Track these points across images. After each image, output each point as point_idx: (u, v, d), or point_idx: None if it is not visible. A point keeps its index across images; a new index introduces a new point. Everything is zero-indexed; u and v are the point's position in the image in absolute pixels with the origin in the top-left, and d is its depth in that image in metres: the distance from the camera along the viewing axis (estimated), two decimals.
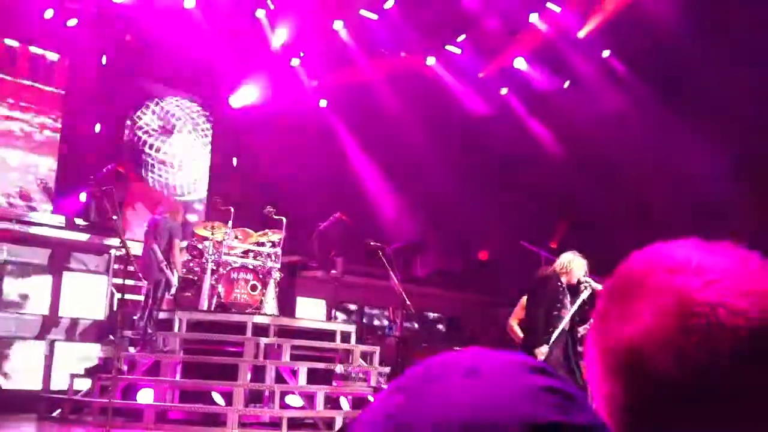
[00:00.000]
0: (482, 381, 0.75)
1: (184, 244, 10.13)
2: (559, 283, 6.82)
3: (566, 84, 14.86)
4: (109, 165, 10.83)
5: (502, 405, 0.73)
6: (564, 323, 6.63)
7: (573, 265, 6.86)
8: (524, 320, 7.05)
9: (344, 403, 9.58)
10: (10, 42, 12.41)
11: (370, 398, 9.48)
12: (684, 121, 12.64)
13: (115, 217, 7.14)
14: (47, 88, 12.79)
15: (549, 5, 13.70)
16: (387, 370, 9.81)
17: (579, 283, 6.77)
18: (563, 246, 8.55)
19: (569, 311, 6.68)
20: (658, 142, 13.05)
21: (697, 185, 12.28)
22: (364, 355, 10.16)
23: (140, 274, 9.33)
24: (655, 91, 13.38)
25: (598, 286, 6.74)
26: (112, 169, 10.74)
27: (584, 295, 6.69)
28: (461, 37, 14.34)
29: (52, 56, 12.89)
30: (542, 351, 6.54)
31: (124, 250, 6.95)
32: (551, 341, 6.55)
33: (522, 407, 0.72)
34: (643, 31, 13.00)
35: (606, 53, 14.36)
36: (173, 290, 9.69)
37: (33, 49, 12.64)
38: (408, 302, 7.57)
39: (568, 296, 6.82)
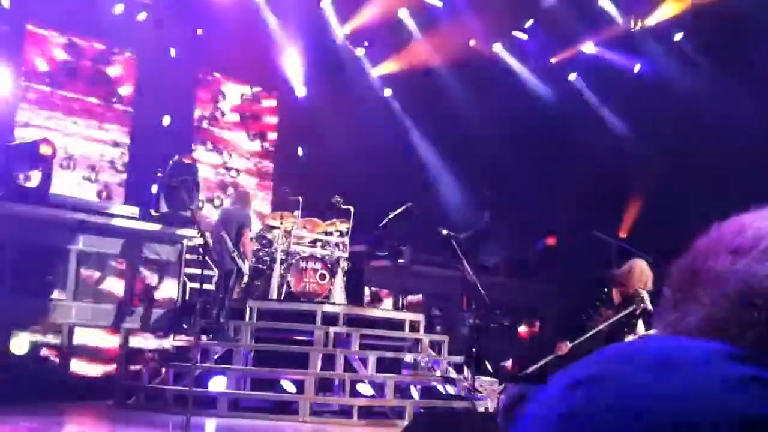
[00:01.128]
0: (679, 373, 0.66)
1: (254, 233, 10.24)
2: (605, 291, 6.48)
3: (636, 68, 14.53)
4: (176, 156, 10.96)
5: (707, 399, 0.64)
6: (602, 325, 6.29)
7: (632, 277, 6.23)
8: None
9: (414, 392, 9.56)
10: (78, 40, 12.69)
11: (440, 388, 9.46)
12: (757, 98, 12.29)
13: (192, 207, 7.24)
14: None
15: None
16: (459, 359, 9.76)
17: (635, 295, 6.40)
18: (633, 235, 8.38)
19: (606, 321, 6.33)
20: (731, 123, 12.66)
21: None
22: (433, 345, 10.13)
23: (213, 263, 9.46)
24: (725, 71, 13.02)
25: (650, 307, 6.39)
26: (179, 160, 10.88)
27: (632, 309, 6.34)
28: (528, 23, 14.14)
29: (123, 51, 13.13)
30: (564, 345, 6.23)
31: (202, 239, 7.01)
32: (578, 340, 6.25)
33: (729, 401, 0.63)
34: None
35: (678, 36, 14.00)
36: (245, 279, 9.78)
37: (99, 45, 12.90)
38: (482, 291, 7.49)
39: (611, 307, 6.44)
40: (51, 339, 9.55)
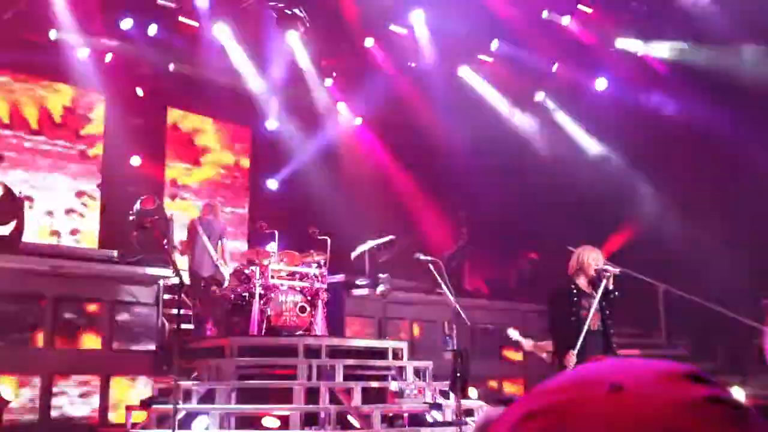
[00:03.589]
0: (630, 396, 0.65)
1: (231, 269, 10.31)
2: (572, 287, 6.69)
3: (600, 85, 14.66)
4: (143, 197, 10.95)
5: (657, 423, 0.62)
6: (588, 323, 6.50)
7: (581, 260, 6.74)
8: (552, 338, 6.94)
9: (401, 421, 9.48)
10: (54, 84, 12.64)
11: (427, 416, 9.38)
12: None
13: (166, 246, 7.21)
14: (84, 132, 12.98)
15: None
16: (444, 385, 9.69)
17: (598, 273, 6.66)
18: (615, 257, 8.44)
19: (591, 309, 6.55)
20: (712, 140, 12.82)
21: None
22: (417, 371, 10.07)
23: (191, 271, 9.70)
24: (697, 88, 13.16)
25: (616, 270, 6.65)
26: (147, 200, 10.86)
27: (602, 286, 6.57)
28: (494, 45, 14.25)
29: (91, 94, 13.10)
30: (571, 355, 6.38)
31: (177, 278, 6.95)
32: (578, 346, 6.41)
33: (682, 423, 0.62)
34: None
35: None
36: (226, 284, 10.43)
37: (70, 88, 12.86)
38: (463, 315, 7.47)
39: (587, 296, 6.69)
40: (30, 387, 9.39)
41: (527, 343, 8.00)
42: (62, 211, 12.73)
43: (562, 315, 6.68)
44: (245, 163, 15.25)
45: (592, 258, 6.76)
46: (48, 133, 12.79)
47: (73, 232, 12.76)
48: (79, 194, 12.94)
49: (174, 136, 14.39)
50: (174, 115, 14.38)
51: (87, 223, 12.91)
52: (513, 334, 8.08)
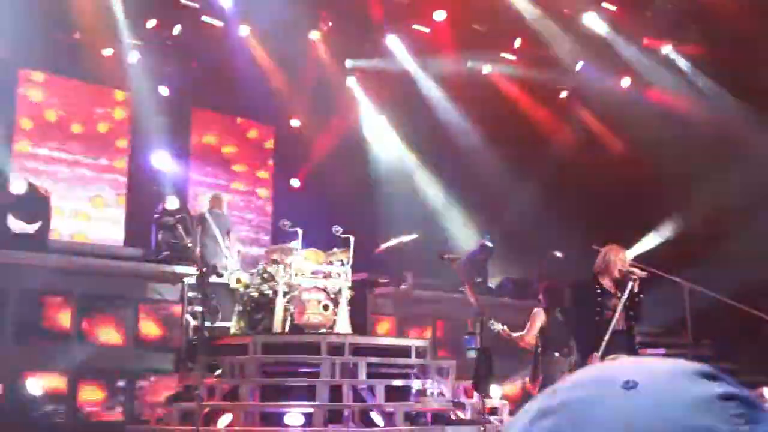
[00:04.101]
0: (644, 394, 0.65)
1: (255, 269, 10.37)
2: (597, 287, 6.66)
3: (624, 82, 14.57)
4: (167, 196, 11.06)
5: (671, 420, 0.63)
6: (612, 324, 6.46)
7: (608, 259, 6.70)
8: (575, 337, 6.95)
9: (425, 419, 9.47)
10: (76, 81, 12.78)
11: (451, 414, 9.38)
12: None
13: (190, 244, 7.27)
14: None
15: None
16: (468, 383, 9.68)
17: (623, 275, 6.62)
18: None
19: (616, 310, 6.51)
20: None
21: None
22: (440, 370, 10.06)
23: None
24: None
25: (643, 273, 6.61)
26: (171, 199, 10.96)
27: (629, 287, 6.53)
28: (517, 43, 14.19)
29: (117, 93, 13.22)
30: (595, 358, 6.34)
31: (201, 275, 7.02)
32: (602, 348, 6.36)
33: (696, 421, 0.62)
34: None
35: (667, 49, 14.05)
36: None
37: (98, 86, 12.99)
38: (485, 313, 7.47)
39: (611, 296, 6.64)
40: (56, 386, 9.48)
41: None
42: (88, 208, 12.85)
43: (586, 315, 6.65)
44: (268, 161, 15.32)
45: (619, 258, 6.71)
46: (74, 132, 12.91)
47: (99, 229, 12.87)
48: (105, 191, 13.06)
49: (198, 135, 14.48)
50: (198, 114, 14.47)
51: (112, 220, 13.01)
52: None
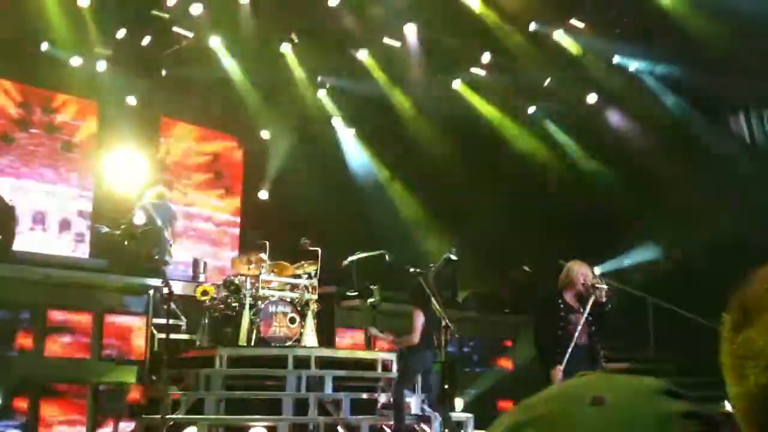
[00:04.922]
0: (611, 410, 0.68)
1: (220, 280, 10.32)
2: (559, 301, 6.75)
3: (591, 99, 14.73)
4: (135, 207, 10.99)
5: None
6: (574, 339, 6.54)
7: (571, 276, 6.79)
8: (538, 351, 7.01)
9: None
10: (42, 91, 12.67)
11: (416, 427, 9.38)
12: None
13: (156, 257, 7.23)
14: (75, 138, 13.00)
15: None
16: (431, 396, 9.70)
17: (586, 289, 6.71)
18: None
19: (578, 325, 6.59)
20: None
21: None
22: None
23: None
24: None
25: (604, 287, 6.70)
26: (139, 211, 10.90)
27: (591, 301, 6.61)
28: (486, 57, 14.29)
29: (83, 102, 13.13)
30: (558, 371, 6.42)
31: (167, 289, 6.98)
32: (564, 361, 6.45)
33: None
34: None
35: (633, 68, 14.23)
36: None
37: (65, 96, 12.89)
38: (450, 326, 7.50)
39: (574, 311, 6.73)
40: (22, 395, 9.35)
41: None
42: (55, 219, 12.72)
43: (548, 330, 6.73)
44: (237, 173, 15.28)
45: (581, 273, 6.81)
46: (41, 141, 12.79)
47: (66, 241, 12.74)
48: (71, 203, 12.93)
49: (167, 146, 14.40)
50: (167, 123, 14.40)
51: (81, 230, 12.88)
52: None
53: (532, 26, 13.39)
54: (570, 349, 6.49)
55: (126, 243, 10.02)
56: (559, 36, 13.62)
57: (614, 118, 14.59)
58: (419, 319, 8.60)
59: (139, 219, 10.58)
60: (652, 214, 13.08)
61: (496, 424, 0.75)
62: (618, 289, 8.79)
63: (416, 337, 8.60)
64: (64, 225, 12.76)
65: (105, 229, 10.73)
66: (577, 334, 6.57)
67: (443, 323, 7.59)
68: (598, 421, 0.67)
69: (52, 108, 12.92)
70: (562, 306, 6.74)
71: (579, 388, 0.73)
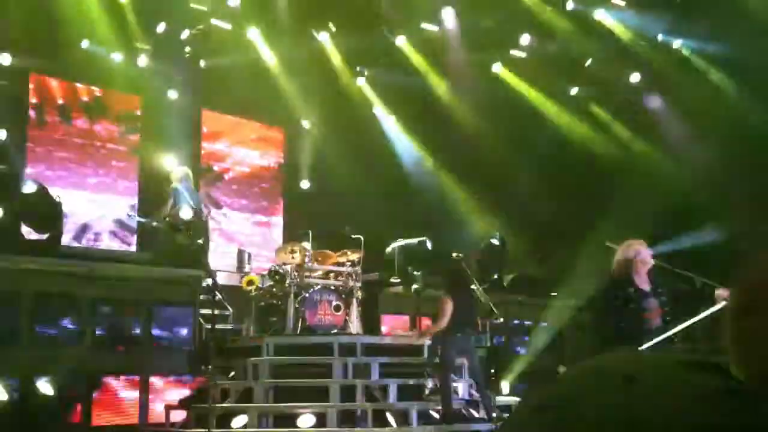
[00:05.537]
0: (643, 387, 0.66)
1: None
2: (630, 288, 6.12)
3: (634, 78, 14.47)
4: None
5: (670, 413, 0.63)
6: (649, 322, 6.11)
7: (634, 257, 6.16)
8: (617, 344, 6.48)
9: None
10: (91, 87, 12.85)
11: (464, 411, 9.37)
12: None
13: (202, 248, 7.29)
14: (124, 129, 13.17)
15: None
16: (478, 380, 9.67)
17: (648, 272, 6.18)
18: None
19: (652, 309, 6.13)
20: None
21: None
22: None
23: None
24: None
25: (658, 263, 6.18)
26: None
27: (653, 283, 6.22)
28: (525, 39, 14.13)
29: (126, 97, 13.27)
30: None
31: (210, 279, 7.04)
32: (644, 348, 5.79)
33: (695, 414, 0.63)
34: None
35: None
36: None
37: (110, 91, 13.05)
38: (495, 311, 7.45)
39: (645, 295, 6.14)
40: (71, 388, 9.50)
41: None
42: (100, 212, 12.90)
43: (621, 316, 6.14)
44: (279, 163, 15.34)
45: (644, 253, 6.27)
46: (88, 135, 12.96)
47: (111, 234, 12.92)
48: (118, 196, 13.10)
49: (208, 138, 14.50)
50: (207, 116, 14.50)
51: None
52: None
53: (569, 5, 13.20)
54: (644, 335, 5.91)
55: (170, 235, 10.09)
56: (600, 15, 13.41)
57: (653, 101, 14.35)
58: (447, 305, 8.69)
59: (186, 213, 10.60)
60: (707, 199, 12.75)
61: (521, 404, 0.72)
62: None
63: (444, 323, 8.65)
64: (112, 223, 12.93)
65: (152, 222, 10.79)
66: (651, 319, 6.07)
67: (488, 307, 7.54)
68: (629, 399, 0.65)
69: (94, 104, 13.08)
70: (632, 291, 6.14)
71: (608, 365, 0.70)
